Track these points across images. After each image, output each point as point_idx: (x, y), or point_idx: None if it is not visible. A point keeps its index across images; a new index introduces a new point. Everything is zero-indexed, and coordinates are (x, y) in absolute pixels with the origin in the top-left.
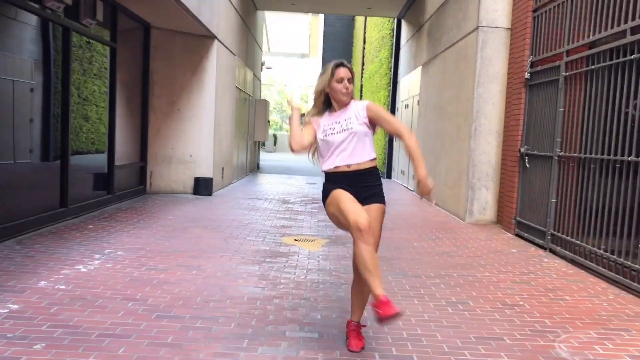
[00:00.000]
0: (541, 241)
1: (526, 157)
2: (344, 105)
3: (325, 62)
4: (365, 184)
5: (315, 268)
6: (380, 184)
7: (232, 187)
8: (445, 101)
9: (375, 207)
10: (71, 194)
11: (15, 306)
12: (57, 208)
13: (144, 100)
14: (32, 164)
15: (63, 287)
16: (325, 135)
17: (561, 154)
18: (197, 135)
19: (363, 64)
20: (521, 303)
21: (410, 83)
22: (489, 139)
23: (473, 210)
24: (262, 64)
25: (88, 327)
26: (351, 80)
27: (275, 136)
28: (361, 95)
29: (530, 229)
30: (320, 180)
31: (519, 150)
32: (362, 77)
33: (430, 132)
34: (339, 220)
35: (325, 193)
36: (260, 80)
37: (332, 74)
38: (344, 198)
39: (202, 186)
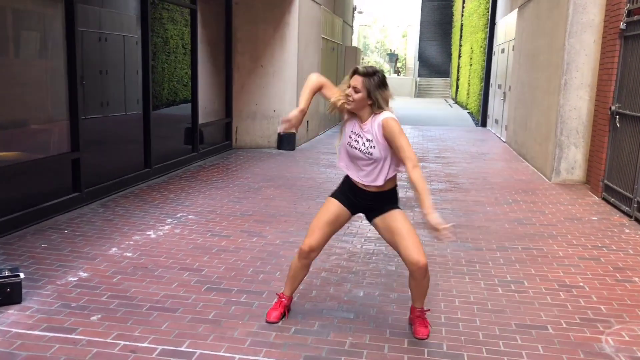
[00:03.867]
0: (627, 208)
1: (617, 116)
2: (354, 113)
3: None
4: (375, 202)
5: (374, 236)
6: (395, 201)
7: (317, 140)
8: (538, 50)
9: (394, 212)
10: (156, 152)
11: (85, 274)
12: (142, 168)
13: (228, 58)
14: (136, 115)
15: (130, 254)
16: (349, 143)
17: None
18: (281, 90)
19: (464, 2)
20: (581, 284)
21: (507, 26)
22: (580, 93)
23: (560, 170)
24: (354, 9)
25: (142, 299)
26: (359, 90)
27: None
28: (461, 36)
29: (617, 194)
30: (410, 130)
31: (610, 107)
32: (462, 16)
33: (523, 81)
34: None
35: (333, 193)
36: (351, 27)
37: (349, 79)
38: (322, 214)
39: (285, 141)
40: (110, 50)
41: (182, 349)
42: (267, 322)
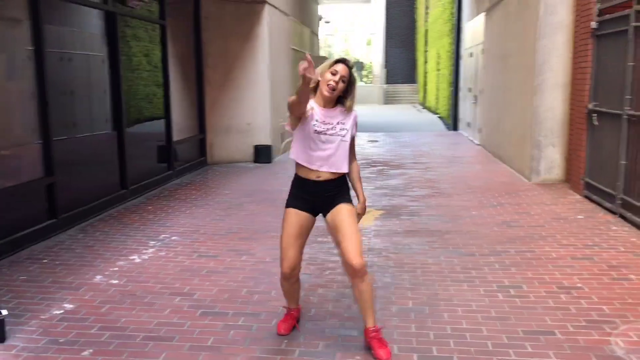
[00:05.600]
0: (611, 205)
1: (594, 115)
2: (326, 100)
3: (388, 7)
4: (329, 193)
5: (365, 247)
6: (347, 189)
7: None
8: (509, 52)
9: (343, 206)
10: (131, 173)
11: (71, 306)
12: (119, 190)
13: (199, 73)
14: (108, 135)
15: (116, 281)
16: (316, 130)
17: (631, 112)
18: (253, 103)
19: (427, 8)
20: (579, 285)
21: (473, 30)
22: (554, 93)
23: (540, 169)
24: (320, 18)
25: (134, 329)
26: (345, 81)
27: None
28: (426, 41)
29: (600, 191)
30: (383, 137)
31: (587, 106)
32: (426, 22)
33: (495, 84)
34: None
35: (287, 202)
36: (318, 36)
37: (330, 65)
38: (287, 230)
39: (262, 154)
40: (76, 70)
41: None
42: (277, 334)
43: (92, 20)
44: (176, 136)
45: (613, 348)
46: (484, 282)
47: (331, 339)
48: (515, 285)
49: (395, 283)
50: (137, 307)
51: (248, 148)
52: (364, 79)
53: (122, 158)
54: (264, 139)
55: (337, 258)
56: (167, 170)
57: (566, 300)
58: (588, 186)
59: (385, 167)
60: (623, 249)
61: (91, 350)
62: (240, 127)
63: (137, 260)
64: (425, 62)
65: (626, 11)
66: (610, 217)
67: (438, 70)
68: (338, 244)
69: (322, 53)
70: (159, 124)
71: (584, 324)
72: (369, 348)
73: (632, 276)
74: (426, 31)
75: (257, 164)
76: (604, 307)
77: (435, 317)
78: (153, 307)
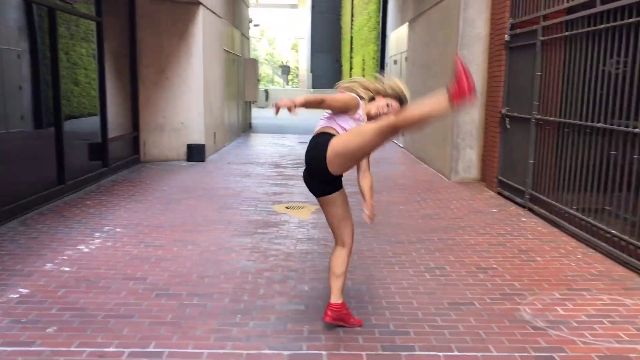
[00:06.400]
0: (521, 200)
1: (507, 119)
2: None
3: (314, 13)
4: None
5: (305, 237)
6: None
7: (224, 151)
8: (431, 60)
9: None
10: (68, 169)
11: (26, 290)
12: (56, 185)
13: (133, 71)
14: (25, 133)
15: (68, 268)
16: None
17: (538, 116)
18: (187, 102)
19: (352, 15)
20: (494, 266)
21: (398, 39)
22: None
23: (458, 169)
24: (250, 21)
25: (94, 309)
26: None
27: (266, 91)
28: (351, 48)
29: (511, 188)
30: None
31: (500, 111)
32: (351, 29)
33: (418, 90)
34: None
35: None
36: (248, 39)
37: (394, 98)
38: (327, 217)
39: (195, 153)
40: (12, 66)
41: (150, 349)
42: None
43: (31, 16)
44: (110, 133)
45: (522, 314)
46: (412, 265)
47: (282, 313)
48: (440, 267)
49: None
50: (93, 291)
51: (181, 147)
52: (290, 83)
53: (59, 153)
54: (198, 138)
55: (280, 247)
56: (103, 167)
57: (483, 278)
58: (501, 183)
59: None
60: (531, 237)
61: (55, 328)
62: (174, 125)
63: (86, 250)
64: (351, 68)
65: (534, 27)
66: (520, 210)
67: (363, 76)
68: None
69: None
70: (95, 121)
71: (498, 296)
72: (320, 320)
73: (539, 258)
74: (351, 38)
75: (190, 163)
76: (515, 283)
77: (372, 294)
78: (109, 290)
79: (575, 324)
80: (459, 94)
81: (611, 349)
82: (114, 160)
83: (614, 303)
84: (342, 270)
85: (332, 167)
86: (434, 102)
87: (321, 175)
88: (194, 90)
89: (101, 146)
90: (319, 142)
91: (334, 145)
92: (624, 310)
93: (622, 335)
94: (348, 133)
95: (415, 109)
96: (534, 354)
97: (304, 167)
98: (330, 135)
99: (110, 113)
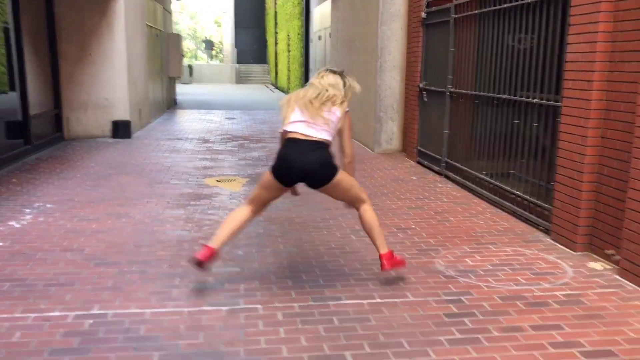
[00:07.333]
0: (437, 168)
1: (424, 92)
2: None
3: None
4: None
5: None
6: None
7: (150, 127)
8: (354, 36)
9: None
10: None
11: None
12: None
13: (52, 47)
14: None
15: (0, 243)
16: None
17: (452, 90)
18: (111, 78)
19: None
20: (413, 226)
21: (322, 15)
22: (393, 74)
23: (381, 141)
24: None
25: (34, 280)
26: None
27: (190, 67)
28: (276, 23)
29: (429, 157)
30: (240, 115)
31: (418, 85)
32: (275, 4)
33: (342, 66)
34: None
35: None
36: (170, 13)
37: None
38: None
39: (121, 129)
40: None
41: (94, 312)
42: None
43: None
44: (31, 111)
45: (436, 266)
46: (339, 229)
47: (218, 275)
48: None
49: (267, 233)
50: (30, 263)
51: (106, 123)
52: (214, 58)
53: None
54: (123, 114)
55: (213, 217)
56: (25, 144)
57: (403, 237)
58: (420, 153)
59: (246, 142)
60: (446, 200)
61: None
62: (98, 102)
63: (17, 226)
64: (276, 43)
65: (447, 5)
66: (437, 177)
67: (289, 51)
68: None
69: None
70: (10, 98)
71: (415, 252)
72: (256, 279)
73: (452, 218)
74: (276, 13)
75: (116, 140)
76: (431, 240)
77: (303, 255)
78: (46, 262)
79: (481, 272)
80: (389, 264)
81: (510, 291)
82: (36, 138)
83: (515, 254)
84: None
85: (327, 189)
86: (378, 241)
87: (312, 183)
88: (117, 66)
89: (22, 124)
90: (318, 157)
91: (340, 181)
92: (524, 259)
93: (521, 280)
94: (349, 180)
95: (374, 222)
96: (445, 297)
97: (278, 165)
98: (326, 148)
99: (30, 90)
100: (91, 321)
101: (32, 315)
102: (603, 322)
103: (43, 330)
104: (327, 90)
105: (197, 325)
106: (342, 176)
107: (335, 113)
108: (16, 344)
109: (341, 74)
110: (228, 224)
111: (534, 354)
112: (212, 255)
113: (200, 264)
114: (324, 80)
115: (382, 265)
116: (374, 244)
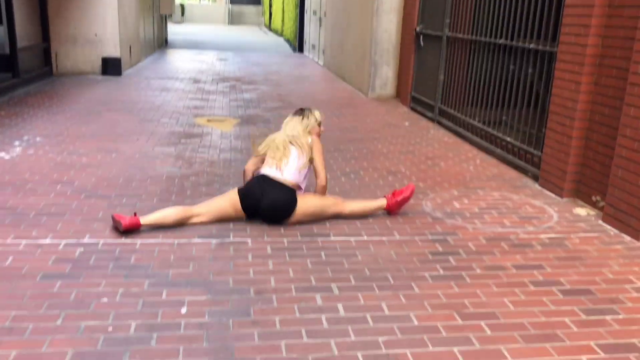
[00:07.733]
0: (431, 114)
1: (421, 36)
2: None
3: None
4: None
5: (228, 147)
6: None
7: (141, 66)
8: (350, 8)
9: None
10: None
11: None
12: None
13: None
14: None
15: None
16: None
17: (449, 34)
18: (101, 13)
19: None
20: (403, 170)
21: None
22: (390, 17)
23: (375, 86)
24: None
25: (24, 209)
26: None
27: (182, 6)
28: None
29: (423, 103)
30: (232, 56)
31: (415, 29)
32: None
33: (338, 7)
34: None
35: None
36: None
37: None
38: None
39: (111, 66)
40: None
41: (85, 241)
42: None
43: None
44: (19, 43)
45: (424, 208)
46: (330, 170)
47: None
48: (355, 172)
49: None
50: (20, 193)
51: (96, 60)
52: None
53: None
54: (113, 51)
55: (204, 155)
56: (12, 78)
57: (392, 180)
58: (414, 99)
59: (238, 83)
60: (437, 146)
61: None
62: (88, 37)
63: (7, 157)
64: None
65: None
66: (430, 124)
67: (283, 19)
68: None
69: None
70: (0, 31)
71: None
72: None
73: (442, 163)
74: None
75: (106, 77)
76: (420, 183)
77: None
78: (37, 193)
79: (468, 215)
80: (397, 206)
81: (495, 233)
82: (25, 72)
83: (503, 198)
84: (361, 205)
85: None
86: (375, 205)
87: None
88: (107, 1)
89: (10, 57)
90: (284, 199)
91: (302, 208)
92: (511, 203)
93: (506, 222)
94: (313, 205)
95: (360, 205)
96: (431, 237)
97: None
98: (293, 194)
99: (18, 22)
100: (82, 249)
101: (24, 241)
102: (583, 263)
103: (35, 256)
104: (291, 136)
105: (187, 256)
106: (302, 202)
107: (302, 151)
108: (9, 268)
109: (302, 112)
110: (168, 211)
111: (515, 290)
112: (134, 227)
113: (119, 228)
114: (287, 128)
115: (391, 213)
116: (375, 211)
